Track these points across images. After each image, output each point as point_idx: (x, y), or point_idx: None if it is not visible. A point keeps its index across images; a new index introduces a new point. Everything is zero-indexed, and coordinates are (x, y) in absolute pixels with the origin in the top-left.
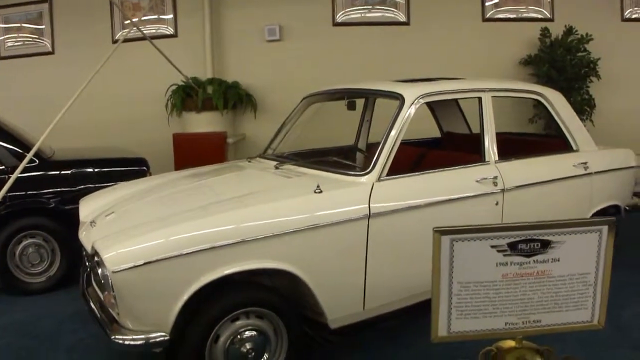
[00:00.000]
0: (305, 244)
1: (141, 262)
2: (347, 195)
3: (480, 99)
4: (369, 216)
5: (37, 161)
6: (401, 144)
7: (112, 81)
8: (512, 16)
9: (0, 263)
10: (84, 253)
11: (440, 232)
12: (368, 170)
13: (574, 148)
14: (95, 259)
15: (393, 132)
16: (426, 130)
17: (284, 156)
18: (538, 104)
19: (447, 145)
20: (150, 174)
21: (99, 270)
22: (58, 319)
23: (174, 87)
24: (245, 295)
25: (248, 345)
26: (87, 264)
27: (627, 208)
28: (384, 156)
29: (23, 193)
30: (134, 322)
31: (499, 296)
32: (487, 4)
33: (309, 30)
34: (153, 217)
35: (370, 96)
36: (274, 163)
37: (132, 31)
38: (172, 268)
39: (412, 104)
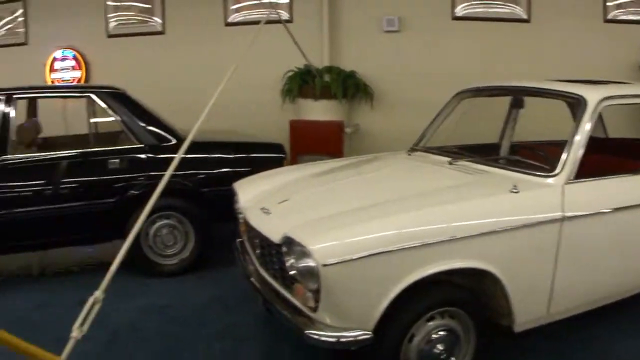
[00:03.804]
0: (504, 244)
1: (356, 256)
2: (541, 197)
3: None
4: (563, 219)
5: (175, 141)
6: (550, 145)
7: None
8: (634, 18)
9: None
10: (257, 240)
11: None
12: (557, 171)
13: None
14: (284, 249)
15: (579, 136)
16: None
17: (451, 151)
18: None
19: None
20: (288, 161)
21: (292, 261)
22: (198, 304)
23: (290, 74)
24: (445, 295)
25: (440, 347)
26: (257, 251)
27: None
28: (572, 158)
29: (161, 173)
30: (334, 318)
31: None
32: (608, 4)
33: (427, 23)
34: (346, 208)
35: (546, 96)
36: (443, 158)
37: (271, 14)
38: (385, 264)
39: (596, 106)
